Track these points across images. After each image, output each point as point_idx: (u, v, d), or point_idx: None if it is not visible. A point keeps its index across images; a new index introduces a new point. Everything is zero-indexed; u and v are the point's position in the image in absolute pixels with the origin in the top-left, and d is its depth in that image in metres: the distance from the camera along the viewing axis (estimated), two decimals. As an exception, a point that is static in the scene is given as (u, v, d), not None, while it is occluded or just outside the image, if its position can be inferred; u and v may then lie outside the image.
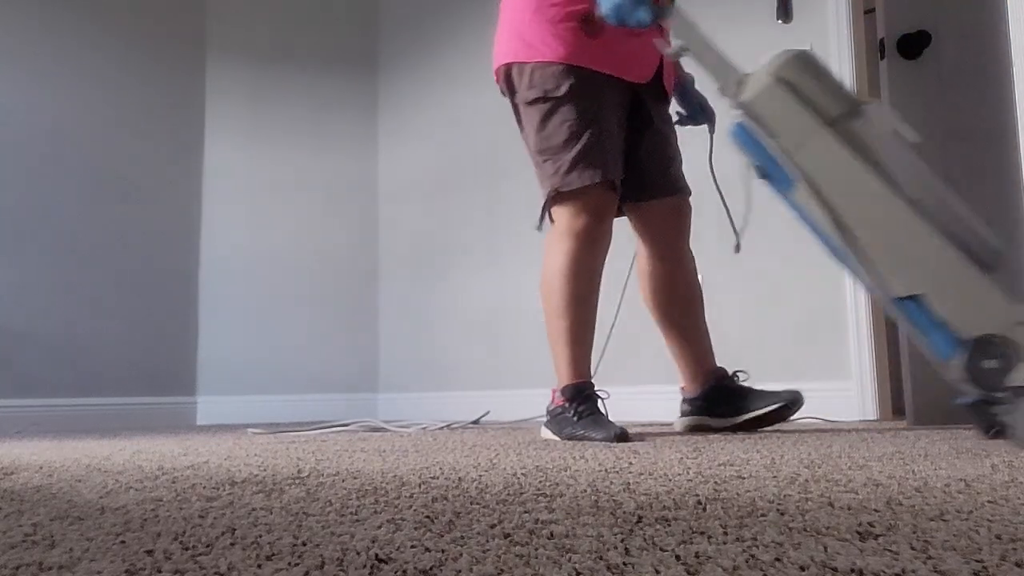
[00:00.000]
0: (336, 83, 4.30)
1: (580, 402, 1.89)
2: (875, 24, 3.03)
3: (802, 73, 1.61)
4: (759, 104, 1.63)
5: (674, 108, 2.18)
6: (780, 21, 2.23)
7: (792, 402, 1.97)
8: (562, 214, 1.94)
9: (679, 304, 2.11)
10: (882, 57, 2.98)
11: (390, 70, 4.34)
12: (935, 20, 2.69)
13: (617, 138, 1.97)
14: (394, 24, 4.37)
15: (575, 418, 1.87)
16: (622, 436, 1.74)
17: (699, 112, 2.19)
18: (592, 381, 1.96)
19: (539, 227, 1.99)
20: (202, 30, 4.13)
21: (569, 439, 1.85)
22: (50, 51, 3.57)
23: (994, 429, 1.54)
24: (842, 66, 2.89)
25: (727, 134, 1.71)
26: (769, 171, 1.65)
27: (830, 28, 2.89)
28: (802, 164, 1.57)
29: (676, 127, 2.15)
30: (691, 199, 2.12)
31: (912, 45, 2.92)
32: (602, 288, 1.97)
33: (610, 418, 1.91)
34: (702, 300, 2.14)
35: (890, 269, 1.49)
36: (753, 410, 1.99)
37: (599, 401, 1.93)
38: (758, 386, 2.06)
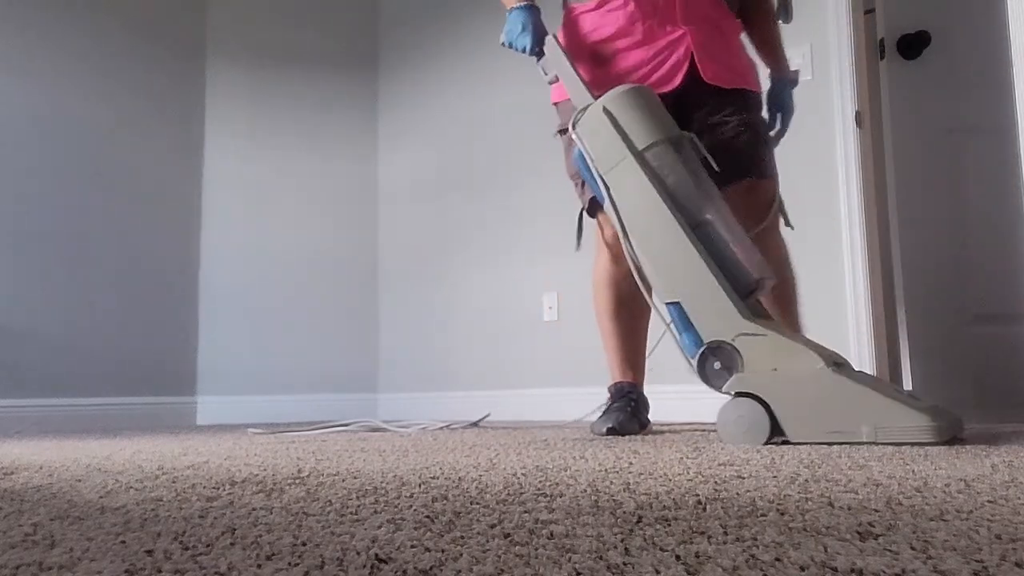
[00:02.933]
0: (336, 83, 4.29)
1: (615, 399, 2.09)
2: (875, 24, 3.03)
3: (624, 106, 1.84)
4: (585, 129, 1.87)
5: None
6: (780, 21, 2.23)
7: None
8: (596, 229, 2.10)
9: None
10: (882, 57, 2.98)
11: (390, 70, 4.34)
12: (935, 20, 2.69)
13: None
14: (394, 24, 4.37)
15: (604, 413, 2.06)
16: (612, 431, 1.94)
17: (779, 113, 2.19)
18: (628, 381, 2.11)
19: (577, 247, 2.09)
20: (202, 30, 4.13)
21: (593, 431, 2.04)
22: (49, 51, 3.57)
23: None
24: (842, 66, 2.89)
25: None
26: (593, 189, 1.90)
27: (830, 28, 2.89)
28: (610, 184, 1.84)
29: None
30: None
31: (912, 45, 2.92)
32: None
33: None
34: (788, 293, 2.04)
35: (661, 278, 1.78)
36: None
37: (632, 400, 2.07)
38: None
